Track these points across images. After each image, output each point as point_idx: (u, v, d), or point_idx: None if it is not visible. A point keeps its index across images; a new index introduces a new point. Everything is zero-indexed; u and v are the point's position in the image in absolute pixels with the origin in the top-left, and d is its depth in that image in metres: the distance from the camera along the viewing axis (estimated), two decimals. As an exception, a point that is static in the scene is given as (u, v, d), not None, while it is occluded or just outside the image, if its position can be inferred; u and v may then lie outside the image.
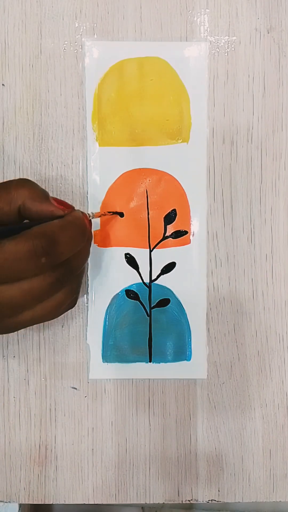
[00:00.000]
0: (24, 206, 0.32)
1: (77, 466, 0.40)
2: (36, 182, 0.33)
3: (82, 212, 0.33)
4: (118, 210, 0.39)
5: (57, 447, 0.40)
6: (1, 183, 0.33)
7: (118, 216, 0.39)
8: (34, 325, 0.39)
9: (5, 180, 0.33)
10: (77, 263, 0.33)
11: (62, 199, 0.37)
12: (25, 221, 0.33)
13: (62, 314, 0.34)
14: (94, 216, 0.37)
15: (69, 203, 0.35)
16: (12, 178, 0.37)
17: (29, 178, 0.35)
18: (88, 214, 0.35)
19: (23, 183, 0.32)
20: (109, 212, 0.39)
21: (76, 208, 0.34)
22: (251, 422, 0.40)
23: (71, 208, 0.34)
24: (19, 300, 0.30)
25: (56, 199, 0.33)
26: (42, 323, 0.40)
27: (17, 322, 0.32)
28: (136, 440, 0.40)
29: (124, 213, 0.39)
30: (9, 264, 0.29)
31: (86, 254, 0.34)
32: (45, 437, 0.40)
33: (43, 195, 0.32)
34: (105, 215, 0.39)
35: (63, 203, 0.33)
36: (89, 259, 0.39)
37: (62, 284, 0.32)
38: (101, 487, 0.40)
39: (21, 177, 0.39)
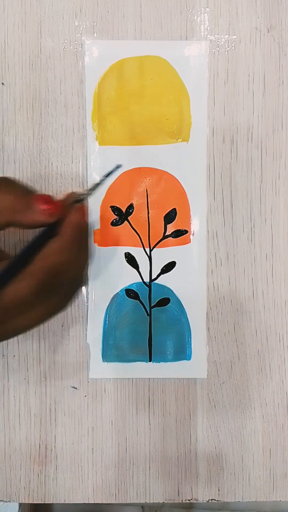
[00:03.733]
0: (10, 223, 0.30)
1: (77, 465, 0.40)
2: (16, 182, 0.31)
3: (77, 209, 0.31)
4: (119, 206, 0.39)
5: (57, 446, 0.40)
6: None
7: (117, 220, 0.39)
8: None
9: None
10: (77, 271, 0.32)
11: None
12: (19, 253, 0.31)
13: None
14: (89, 192, 0.35)
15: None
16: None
17: (13, 178, 0.31)
18: (82, 195, 0.32)
19: (3, 189, 0.29)
20: (100, 180, 0.38)
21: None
22: (251, 421, 0.40)
23: (59, 205, 0.31)
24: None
25: (42, 198, 0.30)
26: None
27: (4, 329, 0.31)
28: (136, 439, 0.40)
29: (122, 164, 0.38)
30: (16, 306, 0.29)
31: (87, 259, 0.34)
32: (45, 437, 0.40)
33: (25, 202, 0.29)
34: (96, 186, 0.36)
35: (52, 203, 0.30)
36: (89, 258, 0.39)
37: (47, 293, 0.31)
38: (101, 486, 0.40)
39: (21, 175, 0.39)
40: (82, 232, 0.32)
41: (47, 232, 0.31)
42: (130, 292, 0.40)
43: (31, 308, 0.30)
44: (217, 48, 0.39)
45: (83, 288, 0.39)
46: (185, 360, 0.40)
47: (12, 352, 0.40)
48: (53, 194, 0.33)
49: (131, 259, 0.40)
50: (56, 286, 0.30)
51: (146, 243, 0.40)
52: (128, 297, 0.40)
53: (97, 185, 0.37)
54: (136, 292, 0.40)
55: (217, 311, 0.40)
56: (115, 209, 0.39)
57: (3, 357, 0.40)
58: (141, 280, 0.40)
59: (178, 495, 0.40)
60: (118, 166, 0.38)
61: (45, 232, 0.31)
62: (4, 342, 0.40)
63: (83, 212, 0.32)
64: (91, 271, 0.40)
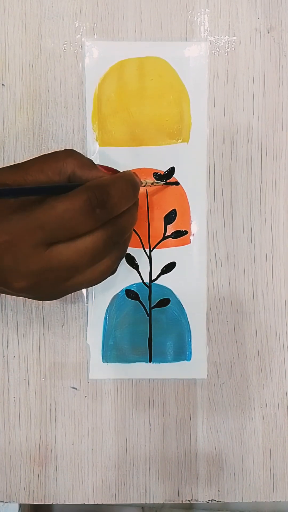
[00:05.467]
0: (74, 175, 0.32)
1: (77, 466, 0.40)
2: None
3: (132, 172, 0.34)
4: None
5: (57, 447, 0.40)
6: (48, 154, 0.33)
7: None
8: (34, 324, 0.40)
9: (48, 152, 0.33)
10: (127, 222, 0.33)
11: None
12: (72, 183, 0.33)
13: (103, 280, 0.34)
14: (147, 183, 0.37)
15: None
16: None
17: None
18: (141, 182, 0.35)
19: (70, 153, 0.33)
20: (159, 181, 0.39)
21: None
22: (251, 422, 0.40)
23: (118, 172, 0.34)
24: (77, 262, 0.30)
25: (103, 166, 0.33)
26: (42, 324, 0.40)
27: (68, 286, 0.32)
28: (136, 440, 0.40)
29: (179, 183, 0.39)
30: (66, 220, 0.29)
31: (135, 216, 0.34)
32: (45, 437, 0.40)
33: (90, 163, 0.33)
34: (154, 184, 0.39)
35: (111, 169, 0.34)
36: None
37: (113, 245, 0.32)
38: (101, 487, 0.40)
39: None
40: (134, 180, 0.33)
41: None
42: (130, 293, 0.40)
43: (85, 232, 0.30)
44: (217, 49, 0.39)
45: (84, 289, 0.40)
46: (185, 361, 0.40)
47: (12, 352, 0.40)
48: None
49: (131, 260, 0.40)
50: (108, 212, 0.30)
51: (146, 243, 0.40)
52: (128, 297, 0.40)
53: (156, 183, 0.39)
54: (136, 292, 0.40)
55: (217, 312, 0.40)
56: (115, 210, 0.40)
57: (3, 357, 0.40)
58: (141, 281, 0.40)
59: (178, 495, 0.40)
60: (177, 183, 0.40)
61: None
62: (4, 342, 0.40)
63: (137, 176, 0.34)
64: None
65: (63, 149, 0.34)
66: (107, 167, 0.34)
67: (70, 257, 0.30)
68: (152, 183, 0.39)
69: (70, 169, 0.32)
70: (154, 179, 0.39)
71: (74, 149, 0.39)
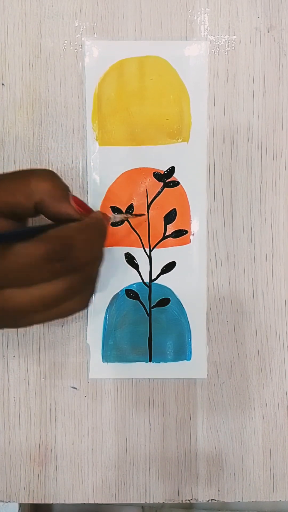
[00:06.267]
0: (42, 204, 0.30)
1: (77, 466, 0.40)
2: (60, 178, 0.32)
3: (102, 214, 0.32)
4: (119, 207, 0.39)
5: (57, 447, 0.40)
6: (23, 171, 0.31)
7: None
8: (34, 326, 0.39)
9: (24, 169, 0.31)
10: (92, 271, 0.32)
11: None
12: (36, 225, 0.31)
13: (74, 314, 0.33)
14: (116, 218, 0.36)
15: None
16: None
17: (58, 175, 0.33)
18: (110, 217, 0.34)
19: (46, 178, 0.31)
20: (131, 214, 0.39)
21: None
22: (251, 421, 0.40)
23: (90, 211, 0.32)
24: (29, 307, 0.29)
25: (76, 199, 0.31)
26: (42, 323, 0.40)
27: (27, 323, 0.31)
28: (136, 440, 0.40)
29: (145, 214, 0.39)
30: (21, 268, 0.28)
31: (101, 258, 0.33)
32: (45, 437, 0.40)
33: (63, 193, 0.31)
34: (126, 218, 0.38)
35: (83, 206, 0.32)
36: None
37: (76, 293, 0.30)
38: (101, 486, 0.40)
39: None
40: (102, 228, 0.32)
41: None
42: (130, 292, 0.40)
43: (42, 281, 0.28)
44: (217, 48, 0.39)
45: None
46: (185, 361, 0.40)
47: (12, 352, 0.40)
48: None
49: (131, 259, 0.40)
50: (68, 265, 0.29)
51: (146, 243, 0.40)
52: (128, 297, 0.40)
53: (126, 219, 0.39)
54: (136, 292, 0.40)
55: (217, 312, 0.40)
56: (115, 209, 0.40)
57: (3, 357, 0.40)
58: (141, 281, 0.40)
59: (178, 495, 0.40)
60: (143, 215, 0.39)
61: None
62: (4, 342, 0.40)
63: (107, 218, 0.33)
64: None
65: (45, 168, 0.32)
66: (80, 201, 0.32)
67: (22, 302, 0.29)
68: (120, 219, 0.38)
69: (39, 196, 0.30)
70: (123, 213, 0.39)
71: (74, 148, 0.39)
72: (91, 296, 0.34)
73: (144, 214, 0.39)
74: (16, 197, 0.30)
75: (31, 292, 0.29)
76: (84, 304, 0.32)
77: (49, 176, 0.31)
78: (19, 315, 0.30)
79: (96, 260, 0.32)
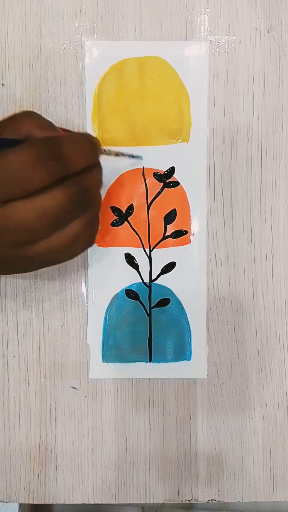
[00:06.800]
0: (31, 135, 0.31)
1: (77, 466, 0.40)
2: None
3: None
4: (118, 207, 0.39)
5: (57, 447, 0.40)
6: (7, 116, 0.32)
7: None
8: (34, 324, 0.39)
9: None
10: (88, 182, 0.31)
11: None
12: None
13: (79, 252, 0.33)
14: (110, 151, 0.35)
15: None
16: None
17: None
18: (103, 149, 0.34)
19: (29, 114, 0.32)
20: (126, 154, 0.38)
21: None
22: (251, 421, 0.40)
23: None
24: (34, 222, 0.29)
25: (64, 129, 0.32)
26: (42, 324, 0.40)
27: (33, 252, 0.30)
28: (136, 440, 0.40)
29: (142, 156, 0.39)
30: (15, 173, 0.28)
31: (99, 178, 0.33)
32: (45, 437, 0.40)
33: (49, 124, 0.32)
34: (120, 155, 0.37)
35: (70, 131, 0.33)
36: (89, 259, 0.39)
37: (76, 208, 0.30)
38: (101, 487, 0.40)
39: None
40: (92, 139, 0.32)
41: None
42: (130, 293, 0.40)
43: (41, 184, 0.28)
44: (217, 48, 0.39)
45: (84, 289, 0.40)
46: (185, 361, 0.40)
47: (12, 352, 0.40)
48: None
49: (131, 260, 0.40)
50: (61, 164, 0.29)
51: (146, 243, 0.40)
52: (128, 297, 0.40)
53: (121, 154, 0.37)
54: (136, 292, 0.40)
55: (217, 312, 0.40)
56: (115, 210, 0.40)
57: (3, 357, 0.40)
58: (141, 281, 0.40)
59: (178, 495, 0.40)
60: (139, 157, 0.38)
61: None
62: (4, 342, 0.40)
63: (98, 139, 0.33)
64: (91, 271, 0.40)
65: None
66: (66, 129, 0.33)
67: (27, 216, 0.28)
68: (116, 153, 0.37)
69: (26, 130, 0.31)
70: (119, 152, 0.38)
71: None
72: (93, 226, 0.33)
73: (140, 156, 0.39)
74: (3, 134, 0.30)
75: (34, 204, 0.28)
76: (86, 230, 0.32)
77: (32, 113, 0.32)
78: (26, 236, 0.29)
79: (92, 176, 0.32)
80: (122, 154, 0.38)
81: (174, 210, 0.40)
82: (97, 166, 0.32)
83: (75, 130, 0.39)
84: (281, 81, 0.39)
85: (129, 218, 0.40)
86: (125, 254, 0.40)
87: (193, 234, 0.40)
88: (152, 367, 0.40)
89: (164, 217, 0.40)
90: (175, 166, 0.39)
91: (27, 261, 0.31)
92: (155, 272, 0.40)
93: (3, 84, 0.39)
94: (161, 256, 0.40)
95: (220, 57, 0.39)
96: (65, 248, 0.31)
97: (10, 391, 0.40)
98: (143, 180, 0.39)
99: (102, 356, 0.40)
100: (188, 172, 0.39)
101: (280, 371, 0.40)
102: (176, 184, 0.39)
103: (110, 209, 0.39)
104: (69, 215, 0.30)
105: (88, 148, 0.31)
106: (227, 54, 0.39)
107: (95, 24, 0.39)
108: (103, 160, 0.33)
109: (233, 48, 0.39)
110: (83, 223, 0.31)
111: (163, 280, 0.40)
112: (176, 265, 0.40)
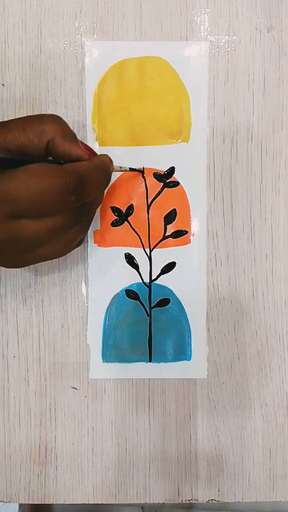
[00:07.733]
0: (53, 142, 0.31)
1: (77, 466, 0.40)
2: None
3: (108, 157, 0.34)
4: (118, 207, 0.39)
5: (57, 447, 0.40)
6: (34, 115, 0.32)
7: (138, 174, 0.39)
8: (34, 324, 0.40)
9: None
10: (94, 204, 0.34)
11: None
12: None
13: (69, 252, 0.35)
14: (120, 168, 0.37)
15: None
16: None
17: None
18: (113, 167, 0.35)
19: (56, 119, 0.32)
20: (129, 168, 0.39)
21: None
22: (251, 422, 0.40)
23: (95, 154, 0.34)
24: (43, 236, 0.31)
25: (83, 143, 0.33)
26: (42, 324, 0.40)
27: (33, 256, 0.32)
28: (136, 440, 0.40)
29: (144, 171, 0.39)
30: (36, 195, 0.29)
31: (102, 196, 0.35)
32: (45, 437, 0.40)
33: (72, 136, 0.32)
34: (125, 170, 0.39)
35: (89, 149, 0.34)
36: (89, 259, 0.39)
37: (78, 222, 0.33)
38: (101, 487, 0.40)
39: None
40: (108, 170, 0.34)
41: None
42: (130, 293, 0.40)
43: (55, 214, 0.30)
44: (217, 48, 0.39)
45: (84, 289, 0.40)
46: (185, 361, 0.40)
47: (12, 352, 0.40)
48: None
49: (131, 260, 0.40)
50: (81, 199, 0.31)
51: (146, 243, 0.40)
52: (128, 297, 0.40)
53: (125, 170, 0.39)
54: (136, 292, 0.40)
55: (217, 311, 0.40)
56: (115, 210, 0.40)
57: (3, 357, 0.40)
58: (141, 281, 0.40)
59: (178, 495, 0.40)
60: (141, 171, 0.39)
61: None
62: (4, 342, 0.40)
63: (111, 162, 0.35)
64: (91, 271, 0.40)
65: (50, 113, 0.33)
66: (86, 145, 0.34)
67: (36, 231, 0.30)
68: (120, 168, 0.38)
69: (51, 135, 0.31)
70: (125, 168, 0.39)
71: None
72: (87, 230, 0.35)
73: (141, 170, 0.39)
74: (29, 136, 0.31)
75: (45, 222, 0.31)
76: (80, 235, 0.34)
77: (60, 118, 0.32)
78: (31, 244, 0.31)
79: (99, 196, 0.34)
80: (125, 170, 0.39)
81: (174, 210, 0.40)
82: (103, 195, 0.35)
83: (76, 130, 0.39)
84: (281, 81, 0.39)
85: (129, 218, 0.40)
86: (125, 254, 0.40)
87: (193, 234, 0.40)
88: (152, 367, 0.40)
89: (164, 217, 0.40)
90: (175, 166, 0.39)
91: (25, 262, 0.33)
92: (155, 272, 0.40)
93: (3, 84, 0.39)
94: (161, 256, 0.40)
95: (220, 57, 0.39)
96: (60, 251, 0.33)
97: (10, 391, 0.40)
98: (143, 180, 0.39)
99: (102, 356, 0.40)
100: (188, 172, 0.39)
101: (280, 371, 0.40)
102: (176, 184, 0.39)
103: (110, 209, 0.39)
104: (71, 226, 0.32)
105: (104, 181, 0.33)
106: (227, 54, 0.39)
107: (95, 24, 0.39)
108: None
109: (233, 48, 0.39)
110: (79, 230, 0.33)
111: (163, 280, 0.40)
112: (176, 265, 0.40)
